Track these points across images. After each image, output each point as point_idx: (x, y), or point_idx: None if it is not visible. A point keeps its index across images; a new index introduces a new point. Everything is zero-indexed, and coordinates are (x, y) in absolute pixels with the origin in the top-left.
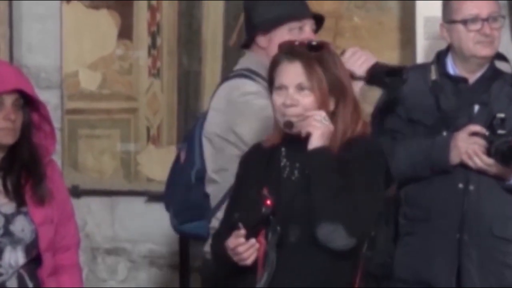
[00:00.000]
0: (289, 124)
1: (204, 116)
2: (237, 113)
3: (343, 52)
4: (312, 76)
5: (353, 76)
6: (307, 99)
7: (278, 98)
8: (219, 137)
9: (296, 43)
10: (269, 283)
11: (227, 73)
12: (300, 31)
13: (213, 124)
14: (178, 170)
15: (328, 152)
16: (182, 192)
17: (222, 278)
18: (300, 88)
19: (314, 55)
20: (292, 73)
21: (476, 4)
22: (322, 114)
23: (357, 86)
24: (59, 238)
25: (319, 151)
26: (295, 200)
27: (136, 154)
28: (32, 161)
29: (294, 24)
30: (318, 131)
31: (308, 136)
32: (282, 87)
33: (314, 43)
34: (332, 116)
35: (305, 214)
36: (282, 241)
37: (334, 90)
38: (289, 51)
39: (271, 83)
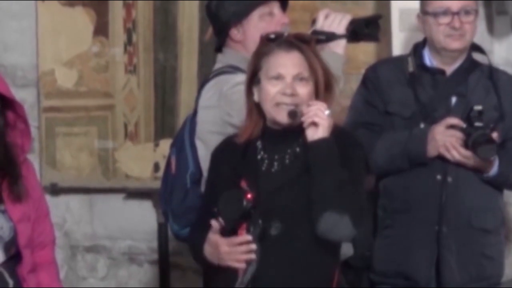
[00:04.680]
0: (294, 114)
1: (190, 118)
2: (231, 105)
3: (314, 21)
4: (311, 66)
5: (334, 37)
6: (305, 89)
7: (273, 88)
8: (214, 133)
9: (273, 35)
10: (252, 276)
11: (204, 69)
12: (270, 16)
13: (205, 123)
14: (170, 180)
15: (332, 144)
16: (179, 198)
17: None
18: (298, 78)
19: (310, 47)
20: (290, 63)
21: None
22: (325, 106)
23: (340, 46)
24: (36, 235)
25: (324, 142)
26: (277, 193)
27: (113, 151)
28: (7, 160)
29: (263, 9)
30: (325, 122)
31: (300, 127)
32: (279, 77)
33: (289, 33)
34: None
35: (287, 207)
36: (263, 234)
37: (326, 82)
38: (285, 41)
39: (254, 73)
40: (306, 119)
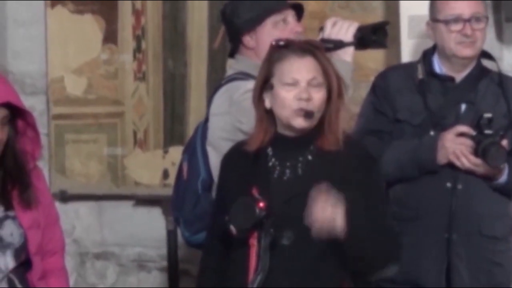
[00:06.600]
0: (311, 114)
1: (202, 125)
2: (242, 112)
3: (321, 28)
4: (325, 72)
5: (342, 44)
6: (319, 94)
7: (287, 93)
8: (225, 140)
9: (283, 42)
10: (262, 285)
11: (213, 76)
12: (284, 24)
13: (217, 129)
14: (182, 186)
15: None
16: (191, 204)
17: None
18: (313, 83)
19: (322, 52)
20: (305, 68)
21: (459, 4)
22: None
23: (348, 53)
24: (45, 242)
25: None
26: (290, 203)
27: (123, 158)
28: (17, 168)
29: (277, 17)
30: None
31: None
32: (295, 82)
33: (308, 40)
34: (336, 113)
35: (300, 217)
36: (274, 243)
37: (338, 88)
38: (298, 46)
39: (265, 80)
40: (308, 222)
